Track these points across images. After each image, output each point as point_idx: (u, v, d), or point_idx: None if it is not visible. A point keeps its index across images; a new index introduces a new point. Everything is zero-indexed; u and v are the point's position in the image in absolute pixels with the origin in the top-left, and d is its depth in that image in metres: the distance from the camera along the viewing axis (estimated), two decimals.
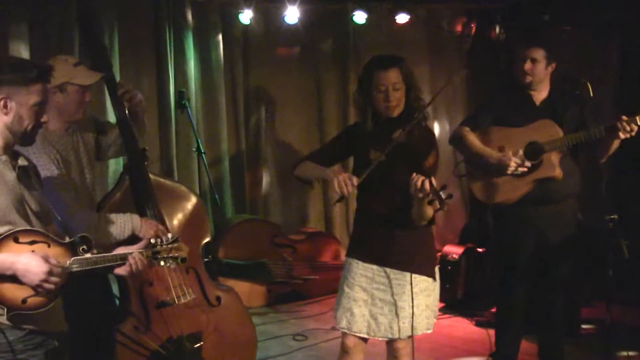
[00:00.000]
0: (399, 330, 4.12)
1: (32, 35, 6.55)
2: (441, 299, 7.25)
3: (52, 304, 3.18)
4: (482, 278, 7.13)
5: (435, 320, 4.32)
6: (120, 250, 3.46)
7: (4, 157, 3.25)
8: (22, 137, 3.30)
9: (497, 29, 8.63)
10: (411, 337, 4.16)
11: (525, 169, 5.04)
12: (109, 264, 3.37)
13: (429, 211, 3.95)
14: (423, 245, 4.21)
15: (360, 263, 4.21)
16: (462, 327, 6.82)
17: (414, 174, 3.73)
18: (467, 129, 5.31)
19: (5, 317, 3.10)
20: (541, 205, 5.14)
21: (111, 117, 6.38)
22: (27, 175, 3.37)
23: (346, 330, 4.23)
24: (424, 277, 4.15)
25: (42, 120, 3.30)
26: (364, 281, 4.18)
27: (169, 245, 3.56)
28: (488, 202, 5.30)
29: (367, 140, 4.16)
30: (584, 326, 6.41)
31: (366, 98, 4.14)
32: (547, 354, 5.51)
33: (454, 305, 7.24)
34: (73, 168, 4.35)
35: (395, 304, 4.11)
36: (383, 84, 4.04)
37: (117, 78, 4.99)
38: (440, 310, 7.17)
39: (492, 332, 5.67)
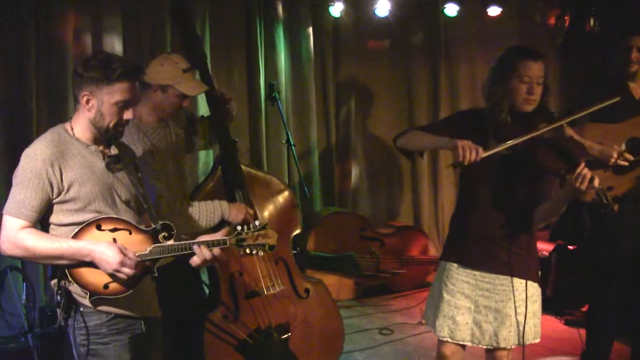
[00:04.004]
0: (505, 339, 3.91)
1: (125, 28, 6.66)
2: None
3: (130, 291, 3.27)
4: (573, 276, 6.98)
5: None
6: (204, 238, 3.46)
7: (93, 147, 3.36)
8: (106, 133, 3.36)
9: (592, 22, 8.42)
10: (519, 345, 3.95)
11: (627, 162, 4.90)
12: (184, 253, 3.38)
13: (558, 213, 3.82)
14: (532, 249, 3.99)
15: (462, 269, 3.99)
16: (551, 325, 6.68)
17: (581, 167, 3.52)
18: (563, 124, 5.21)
19: (88, 300, 3.23)
20: None
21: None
22: (119, 164, 3.44)
23: (449, 339, 4.00)
24: (531, 283, 3.94)
25: (125, 117, 3.33)
26: (466, 288, 3.97)
27: (256, 232, 3.52)
28: (586, 200, 5.18)
29: (490, 131, 3.90)
30: None
31: (504, 87, 3.84)
32: None
33: (543, 303, 7.09)
34: (165, 159, 4.42)
35: (500, 311, 3.91)
36: (529, 75, 3.78)
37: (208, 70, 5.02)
38: None
39: (583, 331, 5.55)
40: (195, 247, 3.38)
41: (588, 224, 5.48)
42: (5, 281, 5.44)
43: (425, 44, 8.54)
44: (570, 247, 7.11)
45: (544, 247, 7.22)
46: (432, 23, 8.47)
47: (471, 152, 3.59)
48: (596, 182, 3.50)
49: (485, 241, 3.93)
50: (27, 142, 5.64)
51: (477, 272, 3.96)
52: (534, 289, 3.97)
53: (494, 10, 8.17)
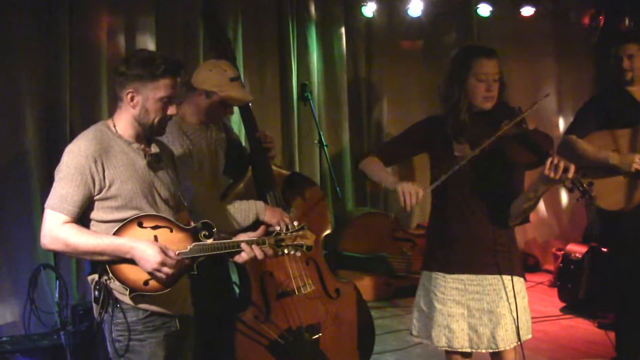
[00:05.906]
0: (502, 340, 3.84)
1: (159, 28, 6.69)
2: (562, 299, 7.16)
3: (169, 289, 3.29)
4: (606, 278, 6.90)
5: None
6: (243, 237, 3.49)
7: (135, 145, 3.39)
8: (150, 129, 3.40)
9: (627, 21, 8.33)
10: (519, 344, 3.88)
11: None
12: (228, 251, 3.43)
13: (534, 206, 3.80)
14: (513, 245, 3.96)
15: (448, 276, 3.93)
16: (584, 328, 6.64)
17: (553, 155, 3.50)
18: (574, 136, 5.18)
19: (128, 296, 3.27)
20: None
21: None
22: (159, 162, 3.48)
23: (447, 348, 3.98)
24: (518, 278, 3.90)
25: (169, 113, 3.37)
26: (456, 294, 3.91)
27: (294, 233, 3.56)
28: (609, 208, 5.14)
29: (452, 135, 3.89)
30: None
31: (461, 87, 3.82)
32: None
33: (575, 305, 7.06)
34: (205, 159, 4.44)
35: (493, 312, 3.85)
36: (485, 73, 3.78)
37: (241, 70, 5.03)
38: (561, 310, 7.05)
39: (613, 334, 5.51)
40: (244, 245, 3.42)
41: (610, 230, 5.45)
42: (39, 279, 5.49)
43: (458, 44, 8.47)
44: (604, 249, 7.04)
45: (577, 249, 7.18)
46: (465, 23, 8.45)
47: (411, 196, 3.60)
48: (571, 172, 3.47)
49: (467, 244, 3.91)
50: (61, 140, 5.78)
51: (464, 276, 3.91)
52: (521, 284, 3.95)
53: (527, 10, 8.15)
